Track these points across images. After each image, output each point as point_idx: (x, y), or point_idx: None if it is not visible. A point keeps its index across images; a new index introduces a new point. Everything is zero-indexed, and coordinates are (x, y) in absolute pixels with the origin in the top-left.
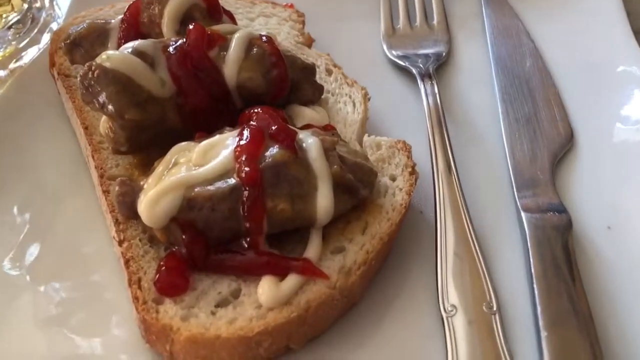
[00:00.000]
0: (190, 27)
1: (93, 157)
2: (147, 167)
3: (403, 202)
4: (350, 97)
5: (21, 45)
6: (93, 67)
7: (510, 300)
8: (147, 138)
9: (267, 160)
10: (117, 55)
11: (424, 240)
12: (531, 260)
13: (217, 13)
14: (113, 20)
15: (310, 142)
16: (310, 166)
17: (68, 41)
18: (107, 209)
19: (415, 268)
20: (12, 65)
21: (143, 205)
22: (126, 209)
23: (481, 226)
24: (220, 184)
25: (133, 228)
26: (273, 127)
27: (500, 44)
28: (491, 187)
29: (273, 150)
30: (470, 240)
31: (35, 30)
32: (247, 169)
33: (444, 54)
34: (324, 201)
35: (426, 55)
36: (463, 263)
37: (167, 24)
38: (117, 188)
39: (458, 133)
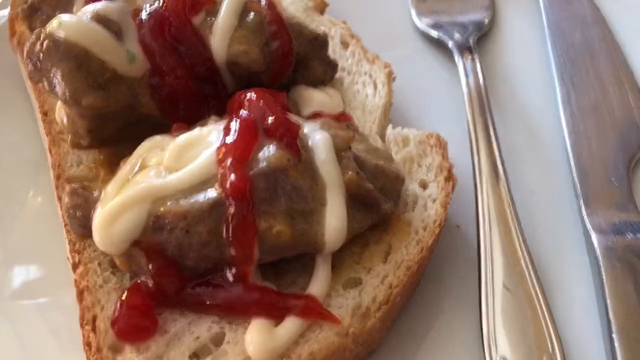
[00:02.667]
0: None
1: (50, 151)
2: (116, 166)
3: (437, 218)
4: (370, 76)
5: None
6: (42, 38)
7: (579, 351)
8: (114, 129)
9: (260, 165)
10: (72, 22)
11: (462, 264)
12: (607, 297)
13: None
14: None
15: (318, 138)
16: (318, 172)
17: (26, 5)
18: (62, 221)
19: (451, 303)
20: None
21: (96, 225)
22: (78, 225)
23: (538, 250)
24: (197, 197)
25: (92, 248)
26: (269, 119)
27: (556, 9)
28: (550, 198)
29: (268, 151)
30: (525, 270)
31: None
32: (232, 177)
33: (486, 21)
34: (334, 220)
35: (464, 24)
36: (516, 300)
37: None
38: (66, 199)
39: (506, 124)
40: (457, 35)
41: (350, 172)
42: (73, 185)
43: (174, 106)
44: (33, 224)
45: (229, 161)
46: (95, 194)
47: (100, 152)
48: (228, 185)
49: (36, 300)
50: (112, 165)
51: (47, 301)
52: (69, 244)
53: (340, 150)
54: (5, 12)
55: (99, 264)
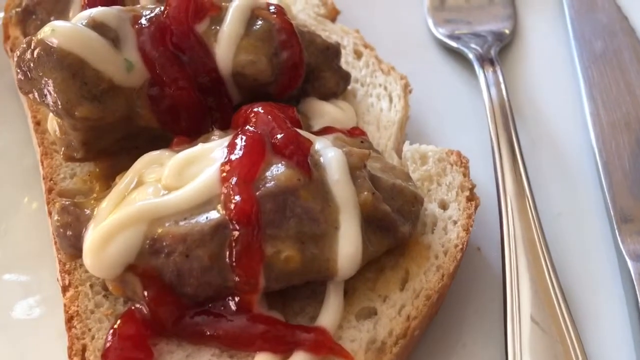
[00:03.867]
0: None
1: (42, 162)
2: (112, 179)
3: (459, 242)
4: (385, 88)
5: None
6: (33, 45)
7: None
8: (110, 141)
9: (267, 185)
10: (65, 29)
11: (485, 291)
12: None
13: None
14: None
15: (330, 156)
16: (330, 192)
17: (19, 9)
18: (52, 238)
19: (473, 336)
20: None
21: (87, 247)
22: (69, 245)
23: (568, 278)
24: (198, 219)
25: (83, 269)
26: (278, 135)
27: (582, 18)
28: (580, 221)
29: (277, 170)
30: (555, 301)
31: None
32: (237, 198)
33: (507, 31)
34: (348, 245)
35: (485, 34)
36: (545, 334)
37: None
38: (56, 217)
39: (531, 139)
40: (477, 46)
41: (365, 193)
42: (63, 202)
43: (174, 119)
44: (28, 231)
45: (233, 180)
46: (87, 211)
47: (95, 165)
48: (232, 207)
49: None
50: (107, 179)
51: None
52: (59, 263)
53: (355, 169)
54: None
55: (91, 286)
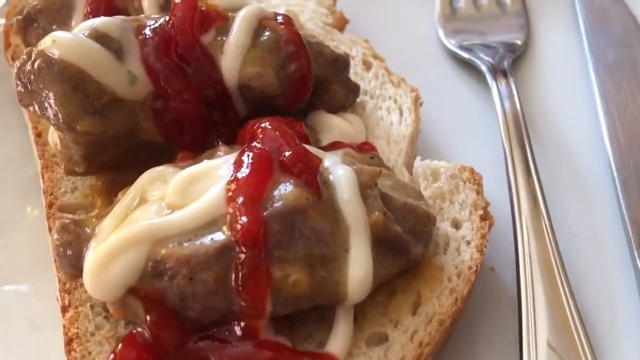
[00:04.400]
0: (177, 0)
1: (43, 176)
2: (114, 193)
3: (473, 263)
4: (395, 101)
5: None
6: (34, 56)
7: None
8: (112, 155)
9: (275, 205)
10: (67, 40)
11: (499, 314)
12: None
13: None
14: None
15: (340, 174)
16: (340, 212)
17: (20, 16)
18: (52, 256)
19: None
20: None
21: (87, 268)
22: (68, 265)
23: (586, 302)
24: (203, 240)
25: (83, 288)
26: (286, 153)
27: (597, 29)
28: (597, 242)
29: (285, 189)
30: (572, 326)
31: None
32: (244, 218)
33: (521, 42)
34: (358, 268)
35: (497, 45)
36: None
37: None
38: (55, 236)
39: (546, 156)
40: (489, 57)
41: (376, 213)
42: (63, 220)
43: (178, 133)
44: (30, 242)
45: (240, 200)
46: (88, 230)
47: (97, 178)
48: (238, 228)
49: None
50: (109, 193)
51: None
52: (59, 282)
53: (366, 188)
54: (1, 21)
55: (91, 307)
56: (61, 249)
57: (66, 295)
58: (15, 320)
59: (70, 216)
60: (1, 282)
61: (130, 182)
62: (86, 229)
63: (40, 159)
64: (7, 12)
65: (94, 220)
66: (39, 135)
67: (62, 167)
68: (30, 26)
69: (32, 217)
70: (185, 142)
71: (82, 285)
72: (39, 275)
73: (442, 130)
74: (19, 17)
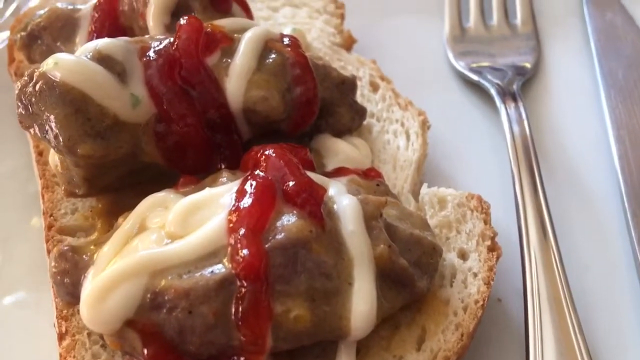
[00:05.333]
0: (182, 21)
1: (43, 196)
2: (115, 216)
3: (480, 297)
4: (402, 125)
5: None
6: (35, 78)
7: None
8: (113, 177)
9: (277, 237)
10: (69, 62)
11: (505, 348)
12: None
13: (223, 1)
14: (84, 7)
15: (345, 204)
16: (344, 245)
17: (24, 33)
18: (50, 282)
19: None
20: None
21: (84, 299)
22: (66, 293)
23: (597, 338)
24: (203, 272)
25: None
26: (290, 182)
27: (609, 53)
28: (608, 274)
29: (288, 220)
30: None
31: (11, 10)
32: (245, 251)
33: (531, 65)
34: (362, 303)
35: (507, 67)
36: None
37: (153, 15)
38: (53, 263)
39: (556, 183)
40: (498, 80)
41: (381, 246)
42: (61, 247)
43: (181, 156)
44: (30, 259)
45: (241, 231)
46: (86, 257)
47: (97, 200)
48: (240, 261)
49: None
50: (110, 215)
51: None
52: (56, 309)
53: (371, 219)
54: (5, 35)
55: (88, 335)
56: (58, 277)
57: (63, 323)
58: (15, 332)
59: (69, 242)
60: (1, 294)
61: (131, 204)
62: (84, 256)
63: (40, 178)
64: (12, 26)
65: (92, 247)
66: (40, 154)
67: (63, 188)
68: (34, 43)
69: (33, 233)
70: (188, 166)
71: (79, 311)
72: (39, 288)
73: (449, 154)
74: (22, 33)
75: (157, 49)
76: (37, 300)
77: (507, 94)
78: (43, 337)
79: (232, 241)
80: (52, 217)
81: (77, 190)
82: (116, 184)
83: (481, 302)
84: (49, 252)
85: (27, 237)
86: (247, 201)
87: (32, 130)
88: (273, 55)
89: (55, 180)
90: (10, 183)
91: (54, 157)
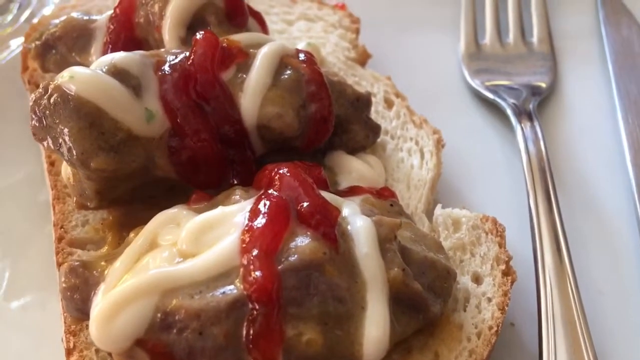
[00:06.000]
0: (198, 35)
1: (54, 207)
2: (126, 229)
3: (494, 323)
4: (417, 143)
5: (6, 34)
6: (50, 90)
7: None
8: (125, 190)
9: (290, 259)
10: (85, 76)
11: None
12: None
13: (239, 15)
14: (99, 17)
15: (359, 226)
16: (357, 267)
17: (39, 42)
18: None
19: None
20: None
21: (94, 317)
22: (75, 309)
23: None
24: (214, 293)
25: (89, 331)
26: (304, 203)
27: (627, 75)
28: (623, 300)
29: (301, 241)
30: None
31: (25, 16)
32: (258, 273)
33: (547, 84)
34: (375, 328)
35: (523, 86)
36: None
37: (169, 28)
38: (63, 278)
39: (571, 206)
40: (514, 99)
41: (395, 269)
42: (72, 263)
43: (194, 171)
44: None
45: (254, 252)
46: (97, 273)
47: (109, 212)
48: (252, 282)
49: None
50: (121, 228)
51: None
52: (64, 323)
53: (385, 241)
54: (19, 41)
55: (96, 351)
56: (68, 293)
57: (71, 338)
58: (23, 337)
59: (79, 257)
60: (9, 299)
61: (142, 217)
62: (95, 272)
63: (52, 189)
64: (26, 34)
65: (103, 263)
66: (52, 164)
67: (74, 201)
68: (49, 53)
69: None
70: (200, 180)
71: (87, 327)
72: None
73: (463, 173)
74: (37, 42)
75: (172, 63)
76: (45, 309)
77: (523, 113)
78: (50, 349)
79: (244, 262)
80: (62, 229)
81: (88, 203)
82: (128, 197)
83: (495, 329)
84: (58, 264)
85: (37, 247)
86: (260, 221)
87: (45, 143)
88: (288, 72)
89: (67, 191)
90: (22, 191)
91: (66, 169)
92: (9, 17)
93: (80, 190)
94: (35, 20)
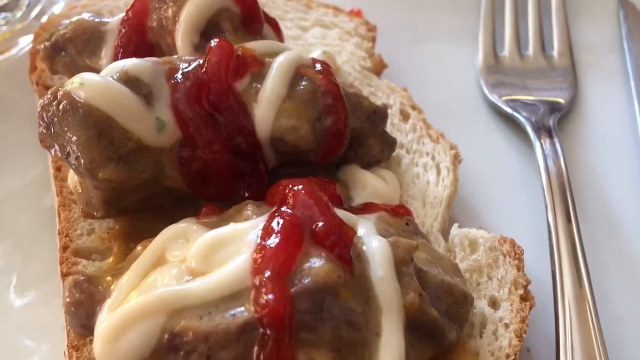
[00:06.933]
0: (213, 43)
1: (59, 214)
2: (133, 239)
3: (511, 351)
4: (433, 158)
5: (15, 31)
6: (59, 97)
7: None
8: (133, 200)
9: (304, 281)
10: (95, 83)
11: None
12: None
13: (255, 22)
14: (111, 20)
15: (375, 247)
16: (373, 291)
17: (48, 43)
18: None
19: None
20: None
21: (98, 335)
22: (79, 325)
23: None
24: (224, 315)
25: (92, 347)
26: (319, 223)
27: None
28: None
29: (315, 263)
30: None
31: (35, 13)
32: (270, 296)
33: (567, 100)
34: (389, 356)
35: (543, 101)
36: None
37: (182, 34)
38: (67, 293)
39: (591, 228)
40: (533, 114)
41: (412, 294)
42: (76, 277)
43: (204, 182)
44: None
45: (266, 273)
46: (102, 289)
47: (115, 221)
48: (263, 306)
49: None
50: (127, 238)
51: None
52: (67, 336)
53: (401, 264)
54: (29, 38)
55: None
56: (72, 308)
57: (74, 352)
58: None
59: (83, 267)
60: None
61: (149, 227)
62: (100, 287)
63: (57, 195)
64: (36, 33)
65: (108, 278)
66: (58, 169)
67: (80, 210)
68: (58, 54)
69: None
70: (211, 193)
71: (91, 341)
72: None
73: (479, 190)
74: (46, 43)
75: (185, 71)
76: (50, 314)
77: (543, 129)
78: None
79: (256, 283)
80: (67, 238)
81: (95, 213)
82: (135, 206)
83: (513, 357)
84: (62, 275)
85: (43, 253)
86: (273, 240)
87: (52, 151)
88: (304, 83)
89: (73, 198)
90: (28, 195)
91: (73, 177)
92: (19, 14)
93: (87, 199)
94: (45, 17)
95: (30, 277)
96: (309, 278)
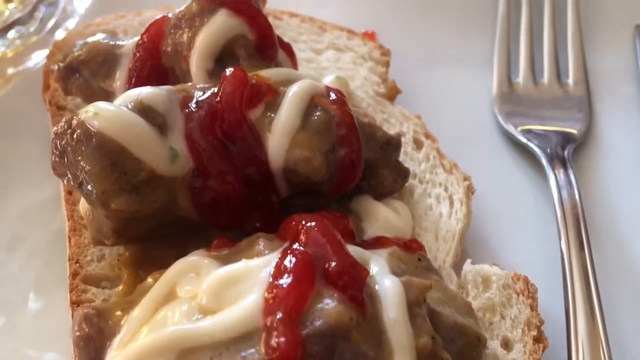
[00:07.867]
0: (227, 72)
1: (69, 239)
2: (143, 267)
3: None
4: (446, 189)
5: (29, 45)
6: (73, 125)
7: None
8: (143, 229)
9: (315, 323)
10: (110, 113)
11: None
12: None
13: (270, 48)
14: (126, 43)
15: (387, 286)
16: (385, 333)
17: (62, 64)
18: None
19: None
20: (12, 70)
21: None
22: (88, 359)
23: None
24: (235, 357)
25: None
26: (332, 263)
27: None
28: None
29: (327, 304)
30: None
31: (47, 29)
32: (281, 339)
33: (582, 131)
34: None
35: (558, 132)
36: None
37: (197, 60)
38: (76, 327)
39: (606, 264)
40: (548, 144)
41: (425, 337)
42: (87, 311)
43: (216, 212)
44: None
45: (278, 315)
46: (112, 323)
47: (125, 248)
48: (274, 349)
49: None
50: (137, 266)
51: None
52: None
53: (414, 305)
54: (43, 53)
55: None
56: (82, 343)
57: None
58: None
59: (93, 295)
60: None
61: (159, 255)
62: (110, 322)
63: (68, 220)
64: (50, 53)
65: (118, 313)
66: (69, 192)
67: (90, 237)
68: (72, 76)
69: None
70: (222, 223)
71: None
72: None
73: (492, 222)
74: (60, 64)
75: (199, 100)
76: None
77: (557, 160)
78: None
79: (268, 323)
80: (77, 264)
81: (105, 241)
82: (146, 234)
83: None
84: (72, 303)
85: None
86: (285, 280)
87: (65, 179)
88: (318, 113)
89: (83, 222)
90: (38, 214)
91: (84, 204)
92: (33, 28)
93: (98, 227)
94: (59, 31)
95: (40, 286)
96: (321, 320)
